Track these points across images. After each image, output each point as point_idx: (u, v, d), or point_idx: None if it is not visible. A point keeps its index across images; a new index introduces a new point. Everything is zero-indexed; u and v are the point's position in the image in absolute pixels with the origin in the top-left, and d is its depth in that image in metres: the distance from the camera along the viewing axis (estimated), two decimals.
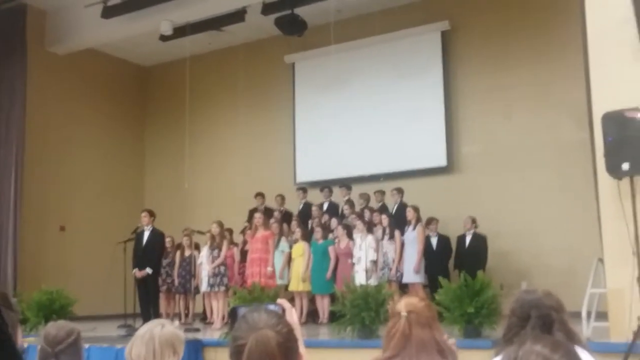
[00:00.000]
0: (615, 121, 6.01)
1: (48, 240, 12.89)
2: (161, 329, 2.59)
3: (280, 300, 2.23)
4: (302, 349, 2.16)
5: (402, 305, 2.21)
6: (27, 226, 12.33)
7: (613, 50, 6.32)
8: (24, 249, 12.15)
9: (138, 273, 9.74)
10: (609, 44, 6.36)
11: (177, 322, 2.83)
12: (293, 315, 2.19)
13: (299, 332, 2.20)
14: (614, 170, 6.03)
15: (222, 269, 9.82)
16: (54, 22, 13.20)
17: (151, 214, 9.99)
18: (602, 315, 6.57)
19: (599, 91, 6.38)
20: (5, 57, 12.44)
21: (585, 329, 6.31)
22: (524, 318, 2.36)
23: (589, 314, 6.56)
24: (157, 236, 10.05)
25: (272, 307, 2.17)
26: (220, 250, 9.88)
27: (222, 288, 9.77)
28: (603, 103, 6.20)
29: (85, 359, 3.08)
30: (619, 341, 5.64)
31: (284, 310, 2.16)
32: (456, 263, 10.08)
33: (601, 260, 6.69)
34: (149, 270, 9.73)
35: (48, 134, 13.14)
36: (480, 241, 10.17)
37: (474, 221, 10.23)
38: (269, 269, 9.66)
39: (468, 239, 10.20)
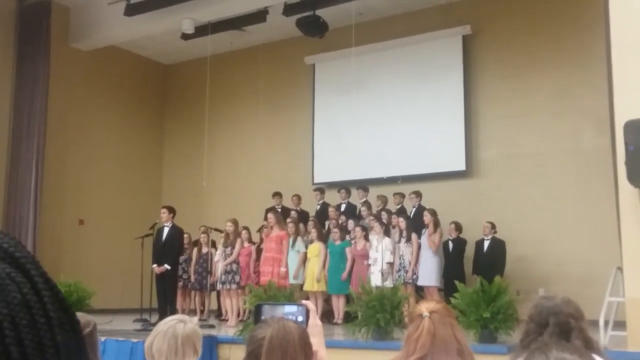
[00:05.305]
0: (637, 130, 5.97)
1: (67, 234, 13.03)
2: (183, 326, 2.63)
3: (304, 302, 2.27)
4: (323, 349, 2.19)
5: (423, 307, 2.21)
6: (47, 219, 12.49)
7: (637, 59, 6.29)
8: (43, 242, 12.30)
9: (157, 269, 9.81)
10: (633, 52, 6.33)
11: (196, 319, 2.87)
12: (316, 318, 2.23)
13: (322, 332, 2.24)
14: (634, 178, 6.00)
15: (234, 266, 9.85)
16: (78, 18, 13.34)
17: (171, 210, 10.06)
18: (619, 324, 6.53)
19: (621, 99, 6.35)
20: (29, 52, 12.62)
21: (603, 337, 6.28)
22: (542, 324, 2.34)
23: (606, 322, 6.54)
24: (177, 233, 10.12)
25: (296, 307, 2.22)
26: (233, 248, 9.92)
27: (234, 286, 9.80)
28: (625, 111, 6.17)
29: (100, 351, 3.12)
30: (637, 350, 5.61)
31: (308, 311, 2.20)
32: (474, 268, 10.05)
33: (620, 268, 6.65)
34: (167, 266, 9.83)
35: (69, 128, 13.29)
36: (499, 246, 10.14)
37: (493, 226, 10.21)
38: (282, 269, 9.66)
39: (487, 244, 10.18)
